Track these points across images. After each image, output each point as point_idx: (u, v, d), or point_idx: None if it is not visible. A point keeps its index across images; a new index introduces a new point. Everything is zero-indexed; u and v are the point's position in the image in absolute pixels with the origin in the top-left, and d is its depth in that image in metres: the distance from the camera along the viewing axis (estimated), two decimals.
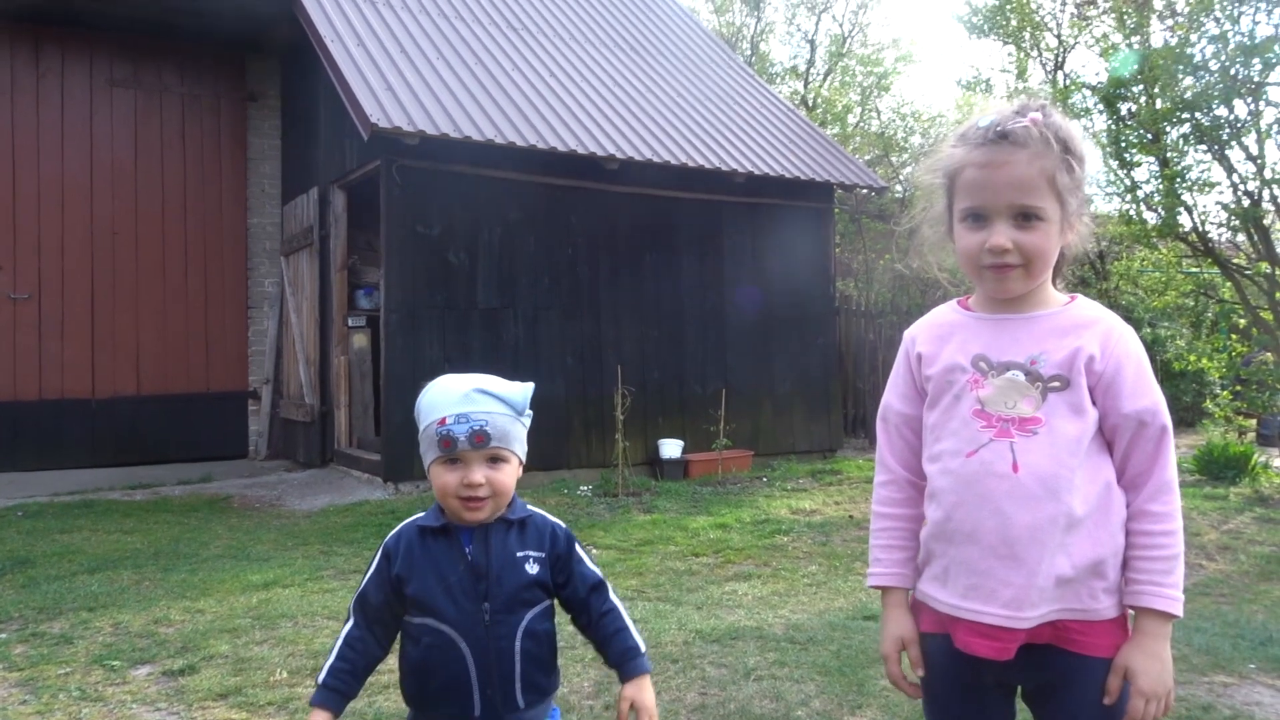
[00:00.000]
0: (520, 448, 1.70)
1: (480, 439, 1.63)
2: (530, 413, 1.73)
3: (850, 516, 6.88)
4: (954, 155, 1.59)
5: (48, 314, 9.11)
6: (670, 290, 9.16)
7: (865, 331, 11.76)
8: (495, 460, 1.65)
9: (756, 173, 9.28)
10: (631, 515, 7.00)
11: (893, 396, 1.75)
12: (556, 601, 1.76)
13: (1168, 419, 1.54)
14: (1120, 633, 1.56)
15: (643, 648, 1.70)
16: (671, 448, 8.77)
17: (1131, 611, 1.55)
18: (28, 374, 9.01)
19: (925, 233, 1.71)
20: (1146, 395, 1.54)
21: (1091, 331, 1.56)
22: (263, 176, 10.29)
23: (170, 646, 3.95)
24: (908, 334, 1.75)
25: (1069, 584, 1.52)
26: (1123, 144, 9.00)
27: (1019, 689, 1.66)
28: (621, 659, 1.69)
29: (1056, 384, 1.54)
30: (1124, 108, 9.07)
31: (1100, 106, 9.28)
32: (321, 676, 1.68)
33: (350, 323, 9.06)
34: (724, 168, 9.08)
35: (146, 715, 3.25)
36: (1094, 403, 1.55)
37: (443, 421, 1.64)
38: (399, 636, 1.71)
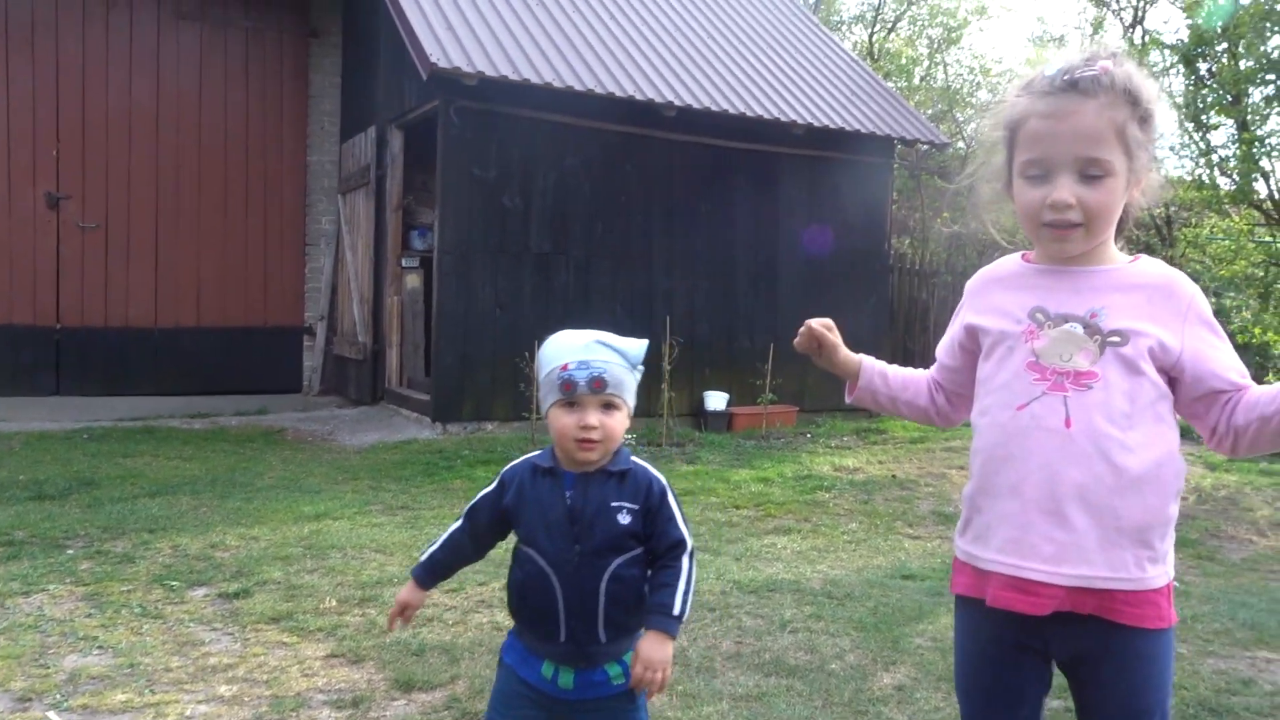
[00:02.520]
0: (631, 397, 1.83)
1: (599, 384, 1.76)
2: (642, 367, 1.85)
3: (893, 476, 6.86)
4: (1017, 105, 1.52)
5: (114, 243, 9.34)
6: (723, 242, 9.10)
7: (919, 291, 11.59)
8: (609, 406, 1.78)
9: (816, 125, 9.12)
10: (674, 465, 7.05)
11: (940, 351, 1.79)
12: None
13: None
14: (1166, 604, 1.52)
15: (676, 609, 1.73)
16: (717, 400, 8.79)
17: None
18: (94, 301, 9.27)
19: (982, 189, 1.65)
20: (1232, 355, 1.52)
21: (1167, 295, 1.52)
22: (322, 114, 10.36)
23: (226, 570, 4.10)
24: (966, 289, 1.73)
25: (1113, 547, 1.48)
26: (1200, 105, 8.69)
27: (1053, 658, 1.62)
28: (651, 610, 1.76)
29: (1116, 339, 1.48)
30: (1204, 67, 8.74)
31: (1178, 66, 8.95)
32: (423, 557, 1.95)
33: (404, 263, 9.15)
34: (783, 118, 8.94)
35: (203, 634, 3.40)
36: (1182, 374, 1.51)
37: (565, 367, 1.77)
38: (512, 555, 1.89)
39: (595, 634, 1.77)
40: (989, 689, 1.64)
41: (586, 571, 1.76)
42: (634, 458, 1.86)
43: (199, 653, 3.21)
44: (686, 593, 1.76)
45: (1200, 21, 8.45)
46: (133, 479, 5.94)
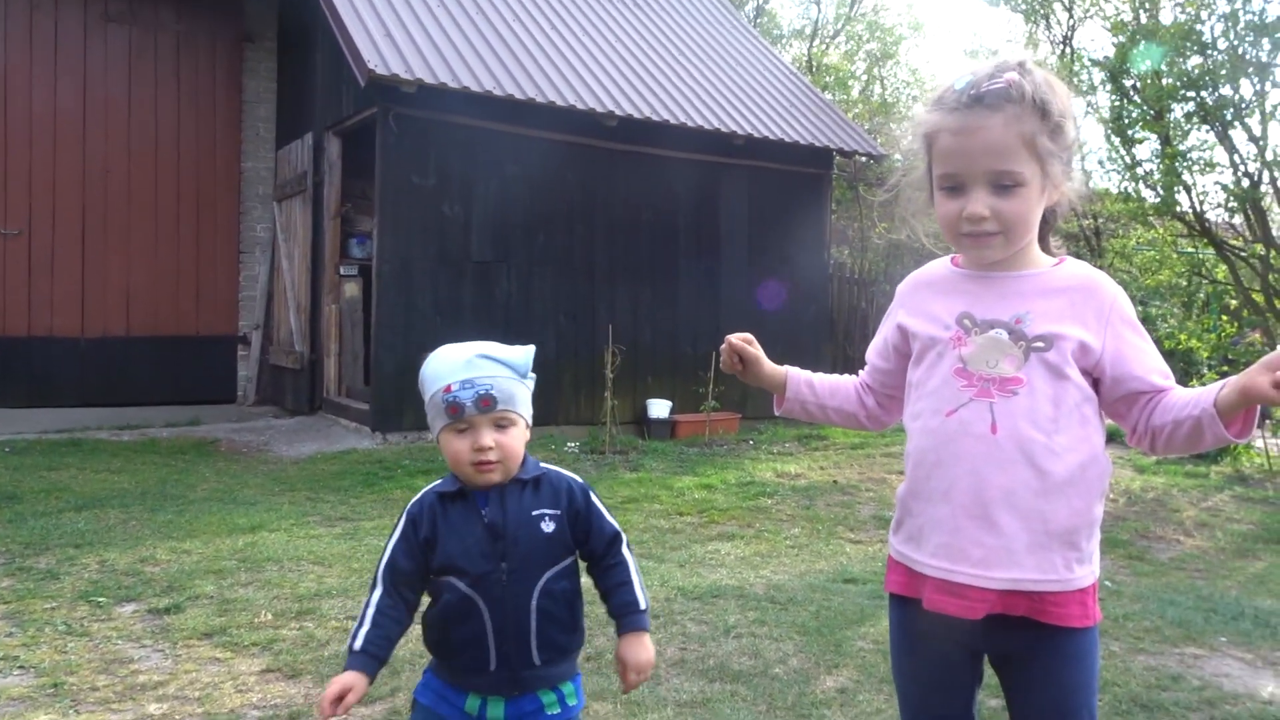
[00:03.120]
0: (526, 410, 1.72)
1: (487, 403, 1.64)
2: (534, 375, 1.74)
3: (835, 481, 6.93)
4: (929, 120, 1.54)
5: (38, 251, 9.04)
6: (665, 251, 9.13)
7: (858, 299, 11.75)
8: (502, 424, 1.67)
9: (756, 136, 9.21)
10: (618, 473, 7.03)
11: (872, 353, 1.81)
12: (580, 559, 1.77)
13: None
14: (1091, 602, 1.55)
15: (643, 604, 1.71)
16: (660, 408, 8.80)
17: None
18: (17, 310, 8.96)
19: (907, 197, 1.67)
20: (1152, 357, 1.54)
21: (1087, 298, 1.54)
22: (257, 120, 10.17)
23: (156, 585, 3.98)
24: (897, 291, 1.75)
25: (1042, 550, 1.51)
26: (1125, 120, 8.96)
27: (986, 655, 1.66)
28: (619, 613, 1.72)
29: (1040, 344, 1.52)
30: (1129, 83, 9.01)
31: (1105, 82, 9.22)
32: (357, 644, 1.66)
33: (342, 271, 9.01)
34: (723, 129, 9.01)
35: (132, 651, 3.29)
36: (1103, 374, 1.53)
37: (448, 389, 1.65)
38: (429, 590, 1.75)
39: (529, 657, 1.66)
40: (924, 683, 1.68)
41: (516, 589, 1.65)
42: (543, 463, 1.76)
43: (127, 670, 3.11)
44: (641, 582, 1.72)
45: (1137, 55, 8.69)
46: (58, 493, 5.74)
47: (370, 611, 1.68)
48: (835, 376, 1.88)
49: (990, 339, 1.54)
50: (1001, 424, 1.51)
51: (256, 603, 3.77)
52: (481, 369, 1.66)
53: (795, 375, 1.86)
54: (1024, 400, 1.51)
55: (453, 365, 1.68)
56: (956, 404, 1.55)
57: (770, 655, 3.38)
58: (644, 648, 1.69)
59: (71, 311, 9.18)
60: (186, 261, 9.73)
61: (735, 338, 1.81)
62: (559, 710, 1.69)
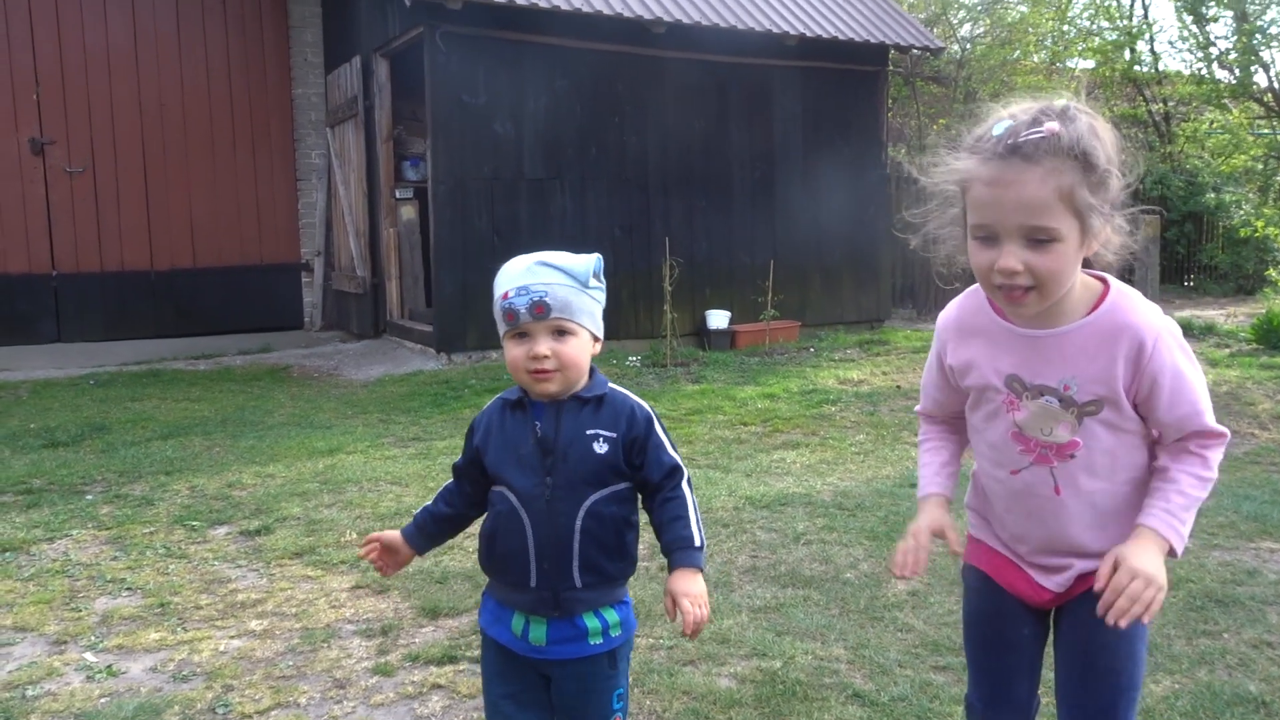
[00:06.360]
0: (589, 320, 1.69)
1: (540, 310, 1.63)
2: (600, 285, 1.71)
3: (898, 386, 6.91)
4: (966, 165, 1.47)
5: (103, 187, 9.23)
6: (719, 159, 9.00)
7: (916, 198, 11.52)
8: (561, 333, 1.66)
9: (809, 35, 8.94)
10: (680, 385, 7.09)
11: (930, 386, 1.78)
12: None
13: (1208, 418, 1.51)
14: None
15: (698, 541, 1.65)
16: (719, 318, 8.80)
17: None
18: (88, 247, 9.20)
19: (944, 234, 1.62)
20: (1182, 404, 1.50)
21: (1123, 346, 1.49)
22: (305, 45, 10.14)
23: (245, 508, 4.17)
24: (940, 331, 1.70)
25: (1110, 541, 1.57)
26: None
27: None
28: (671, 548, 1.66)
29: (1092, 409, 1.52)
30: None
31: None
32: (416, 513, 1.85)
33: (398, 194, 9.06)
34: (775, 30, 8.75)
35: (229, 571, 3.46)
36: (1135, 407, 1.54)
37: (505, 295, 1.66)
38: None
39: (569, 578, 1.65)
40: (994, 645, 1.75)
41: (560, 507, 1.65)
42: (612, 384, 1.75)
43: (226, 590, 3.28)
44: (699, 521, 1.68)
45: None
46: (144, 422, 5.98)
47: (438, 494, 1.84)
48: (938, 455, 1.79)
49: (1042, 407, 1.55)
50: (1064, 486, 1.58)
51: (341, 523, 3.93)
52: (538, 275, 1.66)
53: (948, 484, 1.75)
54: (1082, 458, 1.56)
55: (513, 273, 1.68)
56: (1018, 466, 1.61)
57: (840, 560, 3.44)
58: (696, 581, 1.62)
59: (140, 245, 9.40)
60: (245, 191, 9.87)
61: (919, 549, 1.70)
62: (601, 642, 1.68)
